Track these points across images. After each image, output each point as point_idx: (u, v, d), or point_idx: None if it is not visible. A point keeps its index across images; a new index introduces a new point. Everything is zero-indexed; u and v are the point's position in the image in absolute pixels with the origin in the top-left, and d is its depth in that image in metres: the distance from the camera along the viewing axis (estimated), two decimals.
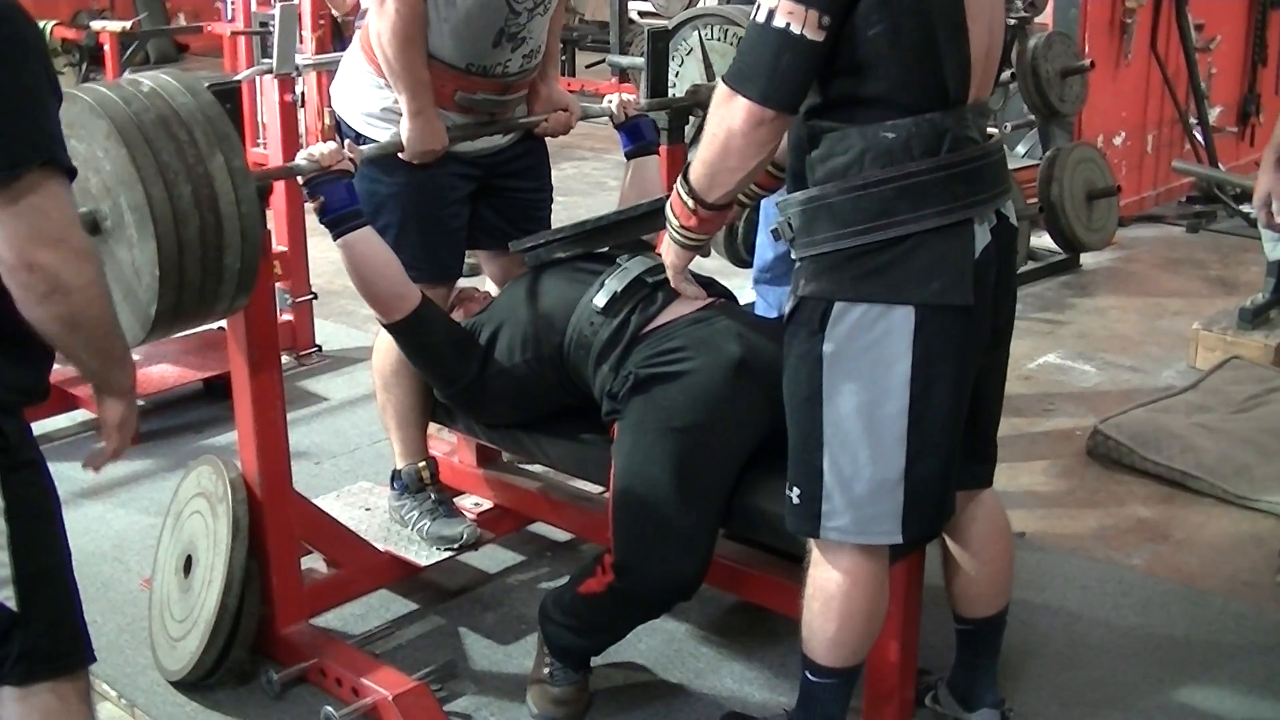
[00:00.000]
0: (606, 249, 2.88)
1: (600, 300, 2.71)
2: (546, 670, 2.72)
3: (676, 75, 4.08)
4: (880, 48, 2.01)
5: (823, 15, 1.98)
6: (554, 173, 3.25)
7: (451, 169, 2.87)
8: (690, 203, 2.24)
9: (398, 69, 2.79)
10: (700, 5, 9.88)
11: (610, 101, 3.18)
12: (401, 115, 2.86)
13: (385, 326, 2.85)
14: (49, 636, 1.85)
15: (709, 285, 2.80)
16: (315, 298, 4.86)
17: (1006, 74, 5.68)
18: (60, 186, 1.73)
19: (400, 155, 2.85)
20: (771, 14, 2.00)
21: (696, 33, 4.00)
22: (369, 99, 2.93)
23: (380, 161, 2.87)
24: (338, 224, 2.68)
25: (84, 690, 1.93)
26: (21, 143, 1.68)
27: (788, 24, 1.98)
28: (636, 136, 3.19)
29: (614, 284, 2.73)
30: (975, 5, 2.08)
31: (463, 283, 3.16)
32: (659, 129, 3.32)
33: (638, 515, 2.53)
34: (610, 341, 2.67)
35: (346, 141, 2.74)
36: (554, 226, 3.08)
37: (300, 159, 2.66)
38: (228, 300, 2.39)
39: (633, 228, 2.85)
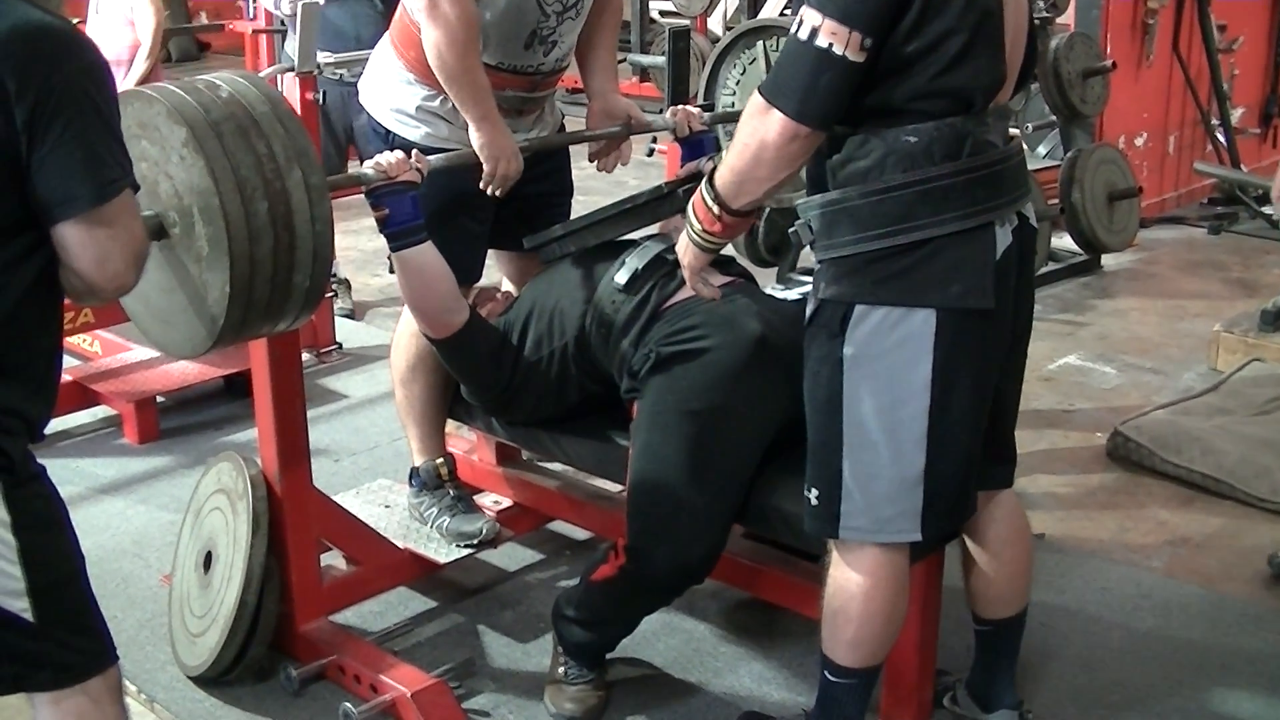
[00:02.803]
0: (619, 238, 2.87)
1: (622, 277, 2.71)
2: (562, 669, 2.74)
3: (738, 83, 4.07)
4: (913, 63, 2.01)
5: (865, 37, 1.97)
6: (574, 170, 3.25)
7: (478, 174, 2.85)
8: (715, 208, 2.23)
9: (459, 75, 2.72)
10: (723, 10, 10.05)
11: (673, 114, 3.11)
12: (436, 115, 2.86)
13: (431, 341, 2.82)
14: (69, 645, 1.86)
15: (727, 265, 2.79)
16: (335, 295, 4.88)
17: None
18: (136, 204, 1.80)
19: (481, 185, 2.78)
20: (815, 32, 1.98)
21: (761, 43, 3.99)
22: (400, 95, 2.91)
23: None
24: (399, 238, 2.62)
25: (115, 686, 1.94)
26: (116, 164, 1.74)
27: (830, 45, 1.97)
28: (698, 154, 3.09)
29: (635, 261, 2.73)
30: (1006, 17, 2.07)
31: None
32: (720, 148, 3.26)
33: (651, 497, 2.54)
34: (631, 318, 2.66)
35: (414, 152, 2.66)
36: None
37: (367, 167, 2.59)
38: (291, 317, 2.32)
39: (641, 215, 2.85)
